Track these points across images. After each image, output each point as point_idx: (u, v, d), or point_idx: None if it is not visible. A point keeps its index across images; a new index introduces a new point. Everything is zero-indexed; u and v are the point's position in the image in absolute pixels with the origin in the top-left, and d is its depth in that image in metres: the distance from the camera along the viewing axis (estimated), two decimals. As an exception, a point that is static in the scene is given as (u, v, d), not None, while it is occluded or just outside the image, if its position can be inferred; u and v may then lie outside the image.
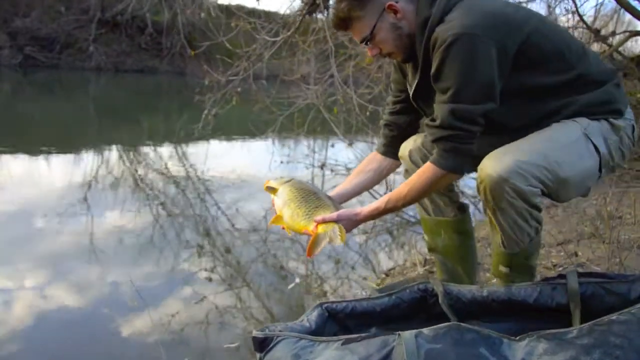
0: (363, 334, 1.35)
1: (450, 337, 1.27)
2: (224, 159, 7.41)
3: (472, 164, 1.72)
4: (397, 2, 1.69)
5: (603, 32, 5.57)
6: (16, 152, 7.74)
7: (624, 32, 5.60)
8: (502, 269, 1.80)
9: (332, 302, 1.63)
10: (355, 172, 2.04)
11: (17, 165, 7.11)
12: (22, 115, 11.60)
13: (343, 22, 1.73)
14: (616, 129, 1.69)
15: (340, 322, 1.64)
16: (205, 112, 6.68)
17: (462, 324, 1.34)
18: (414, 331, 1.29)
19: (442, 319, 1.63)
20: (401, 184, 1.79)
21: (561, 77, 1.67)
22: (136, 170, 7.29)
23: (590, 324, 1.30)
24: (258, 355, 1.42)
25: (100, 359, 2.77)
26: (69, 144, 8.81)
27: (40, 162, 7.49)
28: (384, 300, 1.67)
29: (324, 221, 1.66)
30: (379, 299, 1.67)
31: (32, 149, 7.96)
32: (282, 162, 7.36)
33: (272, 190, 1.80)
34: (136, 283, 3.65)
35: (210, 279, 3.78)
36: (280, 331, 1.43)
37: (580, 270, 1.75)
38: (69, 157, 7.99)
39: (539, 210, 1.66)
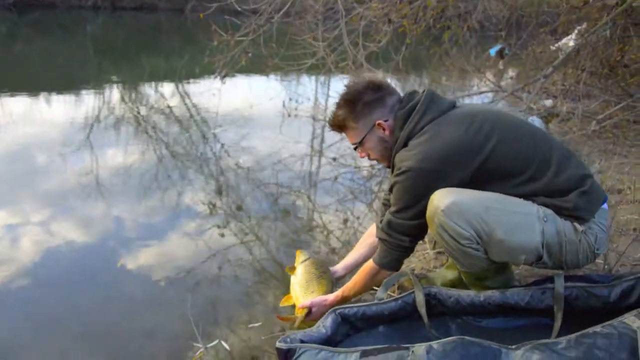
0: (379, 347, 1.50)
1: (457, 352, 1.43)
2: (226, 98, 7.36)
3: None
4: (386, 121, 1.92)
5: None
6: (16, 94, 7.74)
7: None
8: (467, 281, 1.96)
9: (345, 308, 1.81)
10: (358, 245, 2.34)
11: (18, 106, 7.11)
12: (20, 56, 11.51)
13: (339, 127, 2.01)
14: (577, 233, 1.76)
15: (352, 324, 1.82)
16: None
17: (466, 337, 1.47)
18: (424, 346, 1.45)
19: (442, 317, 1.86)
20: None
21: (524, 189, 1.77)
22: (138, 110, 7.27)
23: (577, 336, 1.45)
24: None
25: (105, 292, 2.86)
26: (69, 85, 8.78)
27: (40, 103, 7.49)
28: (391, 304, 1.84)
29: (304, 306, 2.08)
30: (387, 303, 1.84)
31: (32, 90, 7.95)
32: (290, 99, 7.31)
33: (292, 269, 2.29)
34: (140, 220, 3.73)
35: (211, 213, 3.85)
36: (301, 341, 1.61)
37: (567, 274, 1.87)
38: (70, 98, 7.98)
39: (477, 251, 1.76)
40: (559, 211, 1.76)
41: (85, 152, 5.15)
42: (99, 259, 3.22)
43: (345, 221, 3.82)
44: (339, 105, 1.98)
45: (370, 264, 1.99)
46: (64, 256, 3.22)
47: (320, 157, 5.19)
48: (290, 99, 7.40)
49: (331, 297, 2.06)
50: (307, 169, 5.00)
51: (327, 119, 2.07)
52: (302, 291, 2.16)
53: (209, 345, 2.31)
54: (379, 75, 1.79)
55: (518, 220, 1.72)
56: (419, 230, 1.87)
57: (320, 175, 4.83)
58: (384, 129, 1.93)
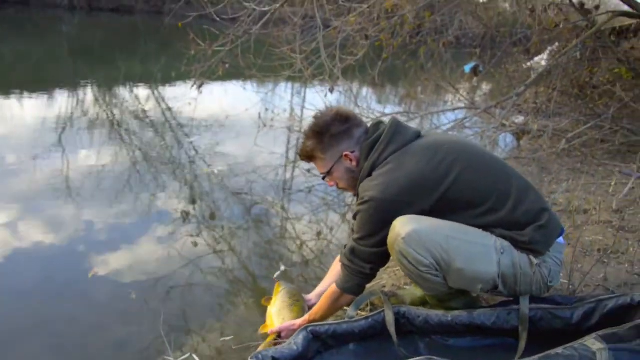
0: None
1: None
2: (202, 106, 7.33)
3: None
4: (353, 152, 1.97)
5: (587, 6, 5.58)
6: (-14, 93, 7.59)
7: (608, 12, 5.60)
8: (431, 302, 2.03)
9: (316, 325, 1.84)
10: (329, 272, 2.39)
11: (-12, 105, 6.98)
12: (-8, 54, 11.30)
13: (307, 157, 2.07)
14: (532, 266, 1.82)
15: (323, 341, 1.84)
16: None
17: (434, 358, 1.53)
18: None
19: (411, 335, 1.90)
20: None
21: (484, 220, 1.82)
22: (112, 113, 7.20)
23: (541, 357, 1.51)
24: None
25: (74, 298, 2.82)
26: (41, 85, 8.63)
27: (11, 102, 7.37)
28: (362, 323, 1.88)
29: (272, 332, 2.14)
30: (357, 321, 1.88)
31: (4, 90, 7.81)
32: (266, 110, 7.31)
33: (269, 300, 2.37)
34: (112, 225, 3.68)
35: (185, 220, 3.83)
36: (273, 358, 1.65)
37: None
38: (42, 99, 7.85)
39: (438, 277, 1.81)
40: (516, 244, 1.81)
41: (57, 153, 5.08)
42: (67, 265, 3.18)
43: (319, 233, 3.84)
44: (307, 137, 2.03)
45: (333, 287, 2.02)
46: (30, 261, 3.17)
47: (295, 168, 5.20)
48: (267, 109, 7.39)
49: (299, 321, 2.10)
50: (281, 179, 5.00)
51: (299, 142, 2.12)
52: (274, 319, 2.23)
53: (180, 359, 2.30)
54: (346, 108, 1.87)
55: (477, 251, 1.78)
56: (380, 258, 1.91)
57: (295, 186, 4.84)
58: (350, 160, 1.98)
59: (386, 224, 1.80)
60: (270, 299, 2.37)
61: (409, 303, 2.16)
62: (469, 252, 1.76)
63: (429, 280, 1.80)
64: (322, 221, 4.04)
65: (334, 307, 2.05)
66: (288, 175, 5.15)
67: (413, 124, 5.52)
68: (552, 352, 1.52)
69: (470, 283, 1.80)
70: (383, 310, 1.88)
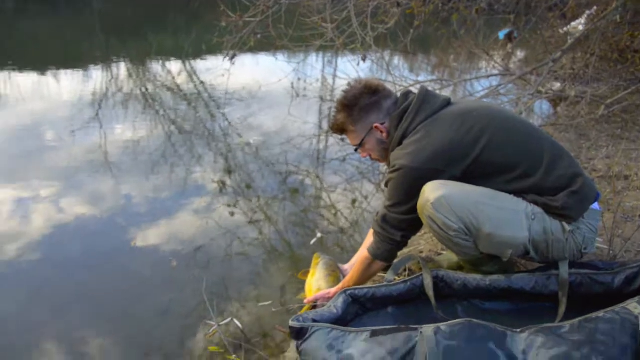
0: (388, 327, 1.55)
1: (464, 334, 1.47)
2: (235, 77, 7.34)
3: None
4: (383, 123, 1.99)
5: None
6: (24, 70, 7.74)
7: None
8: (465, 266, 2.03)
9: (355, 289, 1.85)
10: (364, 243, 2.39)
11: (25, 83, 7.13)
12: (27, 33, 11.48)
13: (339, 130, 2.09)
14: (564, 232, 1.81)
15: (362, 304, 1.86)
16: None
17: (473, 320, 1.52)
18: (433, 327, 1.50)
19: (450, 299, 1.90)
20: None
21: (515, 186, 1.82)
22: (146, 87, 7.28)
23: (581, 320, 1.50)
24: (295, 342, 1.61)
25: (117, 269, 2.91)
26: (76, 61, 8.76)
27: (48, 79, 7.50)
28: (400, 286, 1.88)
29: (309, 301, 2.21)
30: (396, 285, 1.88)
31: (40, 67, 7.95)
32: (299, 79, 7.30)
33: (306, 274, 2.43)
34: (150, 197, 3.76)
35: (221, 191, 3.89)
36: (313, 320, 1.66)
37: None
38: (77, 75, 7.98)
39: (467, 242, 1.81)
40: (548, 209, 1.80)
41: (94, 129, 5.19)
42: (109, 237, 3.27)
43: (354, 201, 3.86)
44: (337, 110, 2.06)
45: (365, 254, 2.05)
46: (74, 234, 3.27)
47: (329, 137, 5.20)
48: (299, 79, 7.37)
49: (334, 289, 2.15)
50: (315, 149, 5.02)
51: (332, 111, 2.15)
52: (310, 289, 2.29)
53: (222, 323, 2.37)
54: (375, 80, 1.88)
55: (506, 216, 1.77)
56: (411, 225, 1.93)
57: (329, 155, 4.86)
58: (381, 131, 2.00)
59: (417, 191, 1.81)
60: (308, 272, 2.43)
61: (446, 268, 2.16)
62: (498, 218, 1.76)
63: (460, 244, 1.81)
64: (357, 190, 4.05)
65: (367, 274, 2.09)
66: (322, 145, 5.15)
67: (446, 92, 5.46)
68: (593, 315, 1.50)
69: (500, 248, 1.80)
70: (421, 274, 1.89)
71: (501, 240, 1.77)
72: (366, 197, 3.93)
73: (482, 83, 6.50)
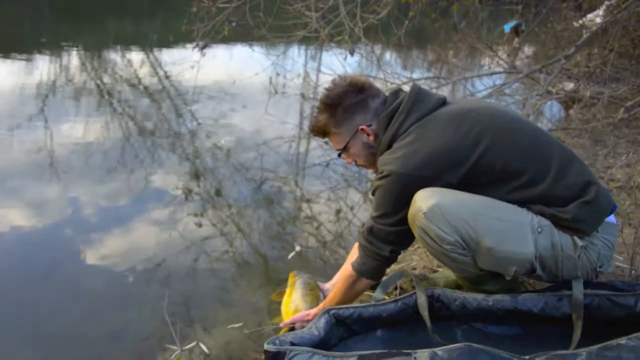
0: (377, 351, 1.54)
1: None
2: (205, 70, 7.34)
3: None
4: (369, 125, 2.00)
5: None
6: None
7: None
8: (463, 285, 2.04)
9: (339, 308, 1.85)
10: (347, 260, 2.36)
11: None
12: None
13: (320, 132, 2.10)
14: (576, 248, 1.79)
15: (347, 326, 1.85)
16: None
17: (473, 345, 1.50)
18: (428, 352, 1.49)
19: (447, 321, 1.89)
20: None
21: (519, 195, 1.82)
22: (101, 79, 7.24)
23: (600, 348, 1.47)
24: None
25: (64, 287, 2.86)
26: (20, 48, 8.68)
27: (-12, 68, 7.43)
28: (390, 306, 1.87)
29: (285, 324, 2.19)
30: (385, 305, 1.87)
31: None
32: (277, 74, 7.31)
33: (282, 294, 2.43)
34: (104, 205, 3.73)
35: (187, 199, 3.88)
36: (292, 343, 1.65)
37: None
38: (20, 63, 7.92)
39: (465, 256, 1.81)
40: (557, 222, 1.79)
41: (38, 125, 5.15)
42: (54, 249, 3.23)
43: (338, 211, 3.87)
44: (319, 110, 2.07)
45: (349, 270, 2.04)
46: (12, 246, 3.22)
47: (310, 139, 5.20)
48: (278, 74, 7.39)
49: (313, 311, 2.13)
50: (295, 153, 5.03)
51: (314, 111, 2.13)
52: (287, 311, 2.29)
53: (185, 348, 2.35)
54: (361, 77, 1.89)
55: (509, 229, 1.77)
56: (401, 238, 1.92)
57: (310, 159, 4.87)
58: (367, 134, 2.01)
59: (407, 200, 1.81)
60: (284, 292, 2.42)
61: (442, 286, 2.17)
62: (500, 230, 1.76)
63: (456, 259, 1.81)
64: (342, 199, 4.06)
65: (351, 292, 2.07)
66: (302, 148, 5.17)
67: (444, 91, 5.50)
68: (614, 342, 1.49)
69: (502, 265, 1.79)
70: (414, 293, 1.88)
71: (503, 256, 1.77)
72: (352, 208, 3.94)
73: (485, 81, 6.55)
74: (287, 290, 2.40)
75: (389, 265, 2.01)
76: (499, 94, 5.31)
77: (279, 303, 2.39)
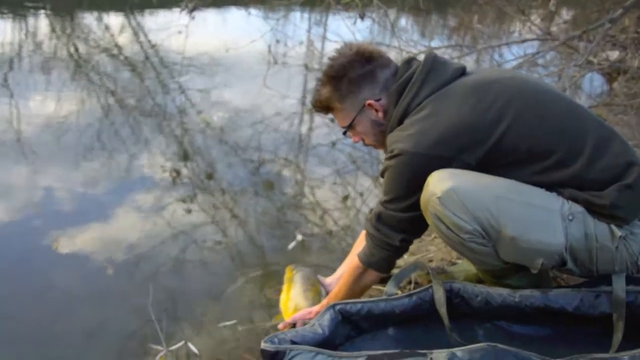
0: (389, 352, 1.55)
1: None
2: (195, 37, 7.32)
3: None
4: (378, 100, 2.00)
5: None
6: None
7: None
8: (484, 279, 2.05)
9: (346, 304, 1.85)
10: (353, 250, 2.40)
11: None
12: None
13: (323, 108, 2.10)
14: (613, 239, 1.77)
15: (355, 324, 1.86)
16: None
17: (498, 345, 1.50)
18: (446, 353, 1.49)
19: (467, 319, 1.89)
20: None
21: (548, 177, 1.80)
22: (75, 47, 7.24)
23: None
24: None
25: (35, 281, 2.88)
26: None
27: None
28: (404, 301, 1.87)
29: (285, 325, 2.18)
30: (399, 300, 1.87)
31: None
32: (277, 42, 7.30)
33: (278, 292, 2.45)
34: (79, 190, 3.75)
35: (174, 183, 3.91)
36: (292, 342, 1.65)
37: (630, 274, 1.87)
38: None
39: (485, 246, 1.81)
40: (591, 208, 1.77)
41: (2, 100, 5.16)
42: (24, 239, 3.26)
43: (345, 198, 3.89)
44: (322, 83, 2.06)
45: (355, 261, 2.04)
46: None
47: (314, 116, 5.22)
48: (278, 42, 7.40)
49: (316, 308, 2.14)
50: (297, 131, 5.05)
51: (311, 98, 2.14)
52: (286, 309, 2.31)
53: (172, 348, 2.37)
54: (370, 45, 1.88)
55: (535, 216, 1.76)
56: (413, 226, 1.92)
57: (314, 139, 4.90)
58: (376, 110, 2.01)
59: (420, 183, 1.80)
60: (280, 290, 2.44)
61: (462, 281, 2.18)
62: (525, 217, 1.75)
63: (475, 250, 1.80)
64: (349, 184, 4.09)
65: (357, 286, 2.09)
66: (305, 126, 5.19)
67: (468, 62, 5.49)
68: None
69: (527, 256, 1.79)
70: (431, 286, 1.88)
71: (528, 247, 1.76)
72: (361, 194, 3.97)
73: (515, 50, 6.53)
74: (285, 286, 2.41)
75: (399, 256, 2.02)
76: (531, 65, 5.29)
77: (277, 300, 2.41)
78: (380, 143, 2.07)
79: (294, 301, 2.29)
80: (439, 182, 1.75)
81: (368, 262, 2.00)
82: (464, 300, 1.90)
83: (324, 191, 3.95)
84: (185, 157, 4.34)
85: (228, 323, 2.56)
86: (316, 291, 2.33)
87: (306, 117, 5.32)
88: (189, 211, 3.53)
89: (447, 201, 1.73)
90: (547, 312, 1.83)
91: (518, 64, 5.38)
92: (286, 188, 4.01)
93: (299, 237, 3.26)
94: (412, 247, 2.82)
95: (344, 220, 3.58)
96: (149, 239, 3.23)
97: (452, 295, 1.89)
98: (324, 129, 4.99)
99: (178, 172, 4.05)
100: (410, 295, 1.89)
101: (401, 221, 1.91)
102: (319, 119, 5.10)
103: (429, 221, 1.84)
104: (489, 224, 1.75)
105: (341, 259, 2.68)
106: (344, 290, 2.09)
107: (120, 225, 3.38)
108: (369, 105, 2.00)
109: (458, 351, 1.49)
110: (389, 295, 1.91)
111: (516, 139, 1.79)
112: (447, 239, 1.84)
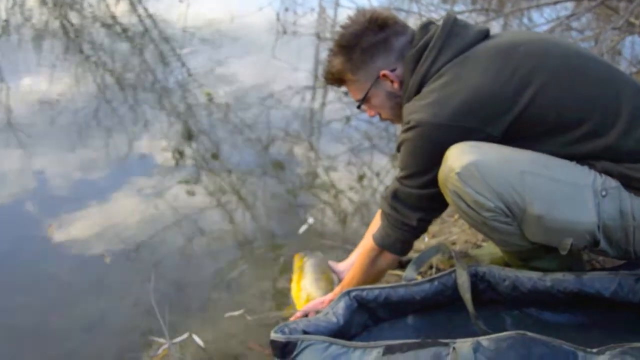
0: (408, 341, 1.54)
1: (515, 352, 1.43)
2: (197, 6, 7.29)
3: None
4: (393, 70, 2.00)
5: None
6: None
7: None
8: (510, 261, 2.07)
9: (362, 290, 1.85)
10: (367, 233, 2.42)
11: None
12: None
13: (335, 80, 2.12)
14: None
15: (372, 311, 1.87)
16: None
17: (527, 333, 1.47)
18: (470, 342, 1.47)
19: (493, 306, 1.89)
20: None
21: (579, 149, 1.78)
22: (67, 19, 7.23)
23: None
24: None
25: (30, 271, 2.92)
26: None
27: None
28: (425, 287, 1.88)
29: (297, 317, 2.17)
30: (419, 285, 1.88)
31: None
32: (286, 10, 7.27)
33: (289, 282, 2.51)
34: (75, 174, 3.76)
35: (177, 165, 3.93)
36: (304, 332, 1.66)
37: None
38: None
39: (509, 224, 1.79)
40: (628, 183, 1.75)
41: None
42: (18, 226, 3.30)
43: (361, 178, 3.89)
44: (333, 53, 2.07)
45: (370, 243, 2.06)
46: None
47: (328, 90, 5.21)
48: (287, 10, 7.38)
49: (329, 296, 2.16)
50: (308, 107, 5.05)
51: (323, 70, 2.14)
52: (298, 300, 2.33)
53: (176, 340, 2.40)
54: (385, 11, 1.85)
55: (564, 192, 1.74)
56: (432, 203, 1.92)
57: (327, 114, 4.90)
58: (391, 81, 2.01)
59: (440, 156, 1.80)
60: (291, 280, 2.47)
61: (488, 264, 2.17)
62: (552, 194, 1.73)
63: (498, 229, 1.80)
64: (365, 163, 4.09)
65: (373, 270, 2.10)
66: (318, 101, 5.19)
67: (495, 27, 5.45)
68: None
69: (555, 236, 1.77)
70: (454, 271, 1.88)
71: (557, 226, 1.74)
72: (377, 174, 3.97)
73: (546, 13, 6.48)
74: (295, 275, 2.44)
75: (417, 237, 2.03)
76: (564, 29, 5.23)
77: (288, 289, 2.43)
78: (398, 117, 2.06)
79: (305, 291, 2.32)
80: (458, 156, 1.75)
81: (383, 243, 2.02)
82: (490, 285, 1.90)
83: (338, 171, 3.96)
84: (188, 136, 4.35)
85: (235, 313, 2.58)
86: (328, 279, 2.35)
87: (318, 91, 5.31)
88: (192, 194, 3.56)
89: (467, 177, 1.73)
90: (581, 298, 1.82)
91: (550, 28, 5.32)
92: (297, 168, 4.01)
93: (310, 220, 3.28)
94: (433, 229, 2.85)
95: (359, 202, 3.58)
96: (150, 225, 3.25)
97: (477, 280, 1.89)
98: (337, 103, 5.00)
99: (181, 153, 4.07)
100: (431, 281, 1.89)
101: (419, 198, 1.92)
102: (332, 92, 5.10)
103: (448, 199, 1.84)
104: (513, 201, 1.74)
105: (355, 244, 2.70)
106: (358, 275, 2.11)
107: (119, 211, 3.40)
108: (384, 76, 2.00)
109: (484, 340, 1.46)
110: (408, 280, 1.91)
111: (544, 107, 1.77)
112: (468, 218, 1.84)
